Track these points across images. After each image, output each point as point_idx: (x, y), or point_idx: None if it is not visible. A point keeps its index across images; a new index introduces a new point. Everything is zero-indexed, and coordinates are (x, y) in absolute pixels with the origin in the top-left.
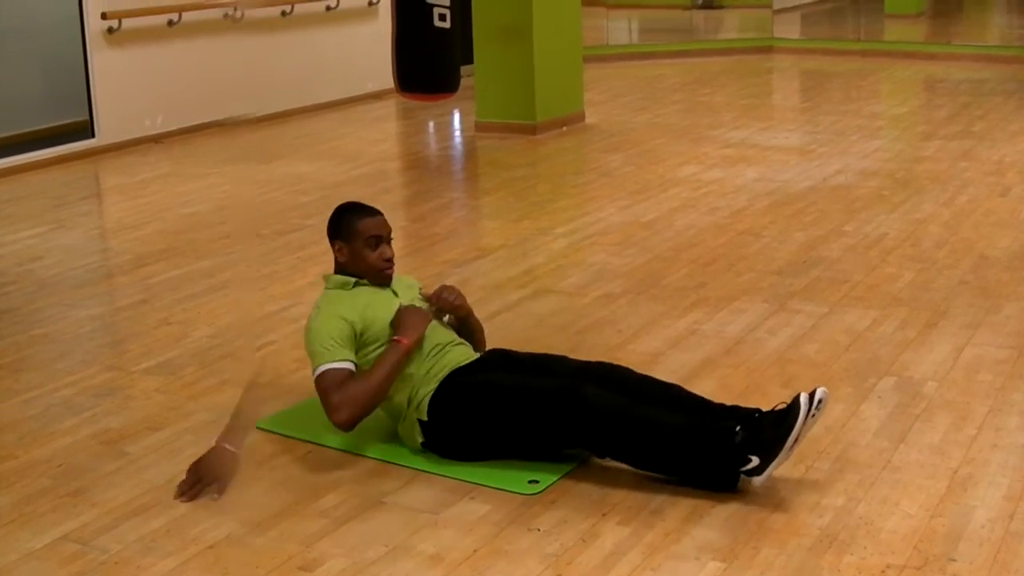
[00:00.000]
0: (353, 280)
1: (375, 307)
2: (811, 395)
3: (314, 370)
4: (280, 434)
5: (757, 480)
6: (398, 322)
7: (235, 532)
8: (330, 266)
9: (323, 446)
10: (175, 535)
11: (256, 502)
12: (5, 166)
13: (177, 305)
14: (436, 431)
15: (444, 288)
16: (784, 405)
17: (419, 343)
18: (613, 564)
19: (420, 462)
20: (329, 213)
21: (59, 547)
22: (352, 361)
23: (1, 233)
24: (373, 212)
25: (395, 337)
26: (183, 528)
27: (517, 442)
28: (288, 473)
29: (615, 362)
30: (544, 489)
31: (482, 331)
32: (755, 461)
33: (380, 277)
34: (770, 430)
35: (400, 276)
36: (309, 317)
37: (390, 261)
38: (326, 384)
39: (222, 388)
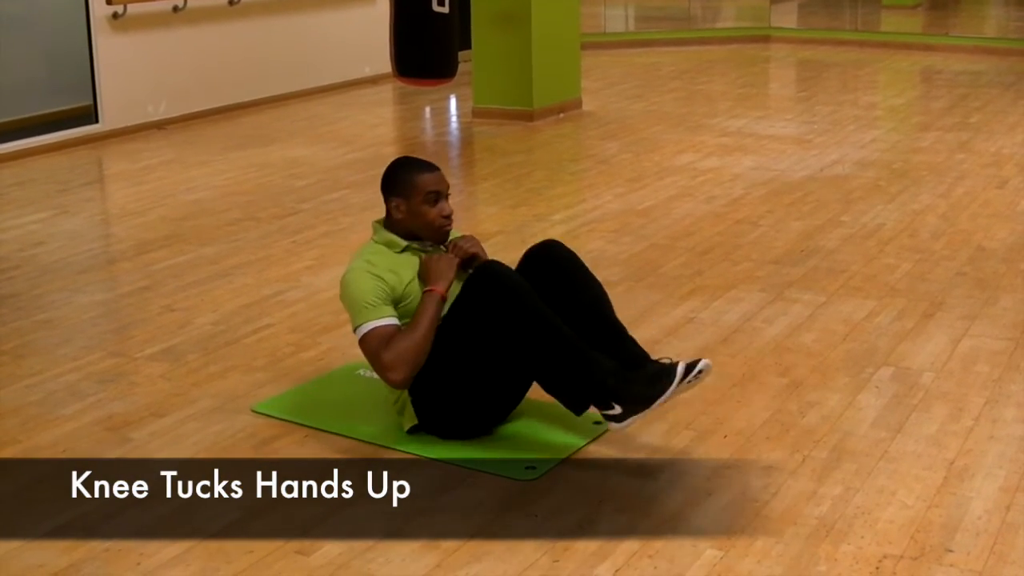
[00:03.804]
0: (404, 243)
1: (416, 284)
2: (690, 366)
3: (356, 327)
4: (277, 418)
5: (614, 425)
6: (425, 273)
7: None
8: (327, 249)
9: (320, 430)
10: (178, 523)
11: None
12: (9, 151)
13: (180, 292)
14: (425, 405)
15: (461, 237)
16: (667, 362)
17: (449, 288)
18: (610, 551)
19: (417, 447)
20: (324, 197)
21: (63, 533)
22: (395, 318)
23: (4, 218)
24: (431, 167)
25: (427, 288)
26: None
27: (479, 364)
28: (285, 457)
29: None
30: (541, 475)
31: None
32: (617, 410)
33: (439, 234)
34: (641, 388)
35: (455, 231)
36: (349, 265)
37: (449, 218)
38: (375, 344)
39: (226, 375)
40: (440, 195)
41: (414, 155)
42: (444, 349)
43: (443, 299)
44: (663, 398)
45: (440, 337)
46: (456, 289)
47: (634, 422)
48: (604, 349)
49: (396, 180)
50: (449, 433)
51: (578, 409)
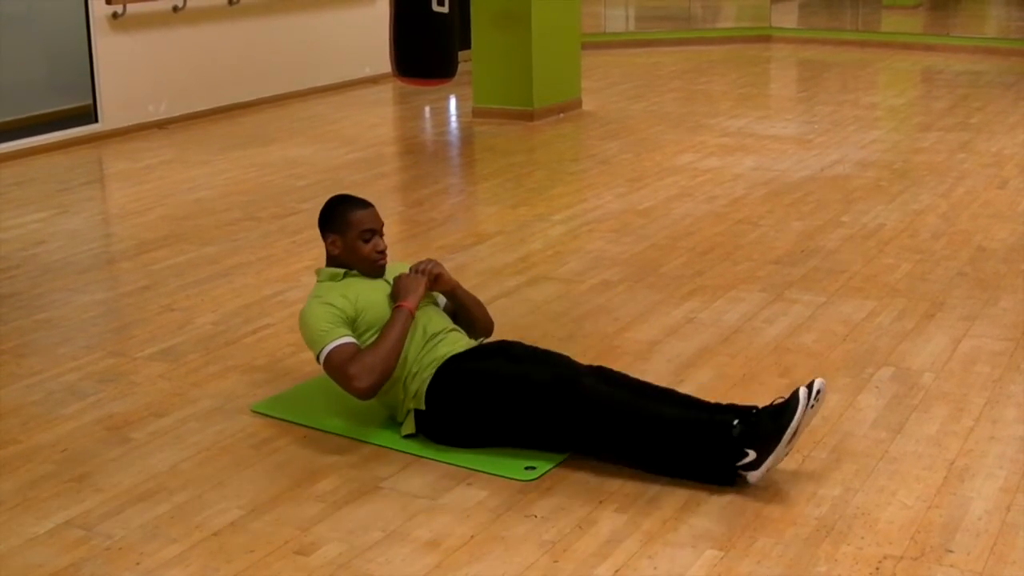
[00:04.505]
0: (343, 271)
1: (367, 294)
2: (809, 387)
3: (318, 355)
4: (276, 418)
5: (753, 475)
6: (396, 290)
7: (237, 518)
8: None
9: (320, 430)
10: (179, 521)
11: (253, 486)
12: (9, 150)
13: (181, 291)
14: (433, 419)
15: (423, 261)
16: (782, 400)
17: (419, 304)
18: (610, 552)
19: (417, 447)
20: (325, 196)
21: (62, 533)
22: (353, 338)
23: (5, 217)
24: (365, 204)
25: (397, 304)
26: (187, 514)
27: (514, 432)
28: (285, 457)
29: (612, 349)
30: (541, 476)
31: (480, 305)
32: (752, 455)
33: (374, 268)
34: (768, 424)
35: (392, 264)
36: (301, 311)
37: (383, 253)
38: (338, 360)
39: (226, 375)
40: (374, 232)
41: (413, 156)
42: (491, 404)
43: (412, 315)
44: (791, 428)
45: (494, 399)
46: (431, 315)
47: (771, 466)
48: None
49: (331, 218)
50: (447, 443)
51: (729, 478)
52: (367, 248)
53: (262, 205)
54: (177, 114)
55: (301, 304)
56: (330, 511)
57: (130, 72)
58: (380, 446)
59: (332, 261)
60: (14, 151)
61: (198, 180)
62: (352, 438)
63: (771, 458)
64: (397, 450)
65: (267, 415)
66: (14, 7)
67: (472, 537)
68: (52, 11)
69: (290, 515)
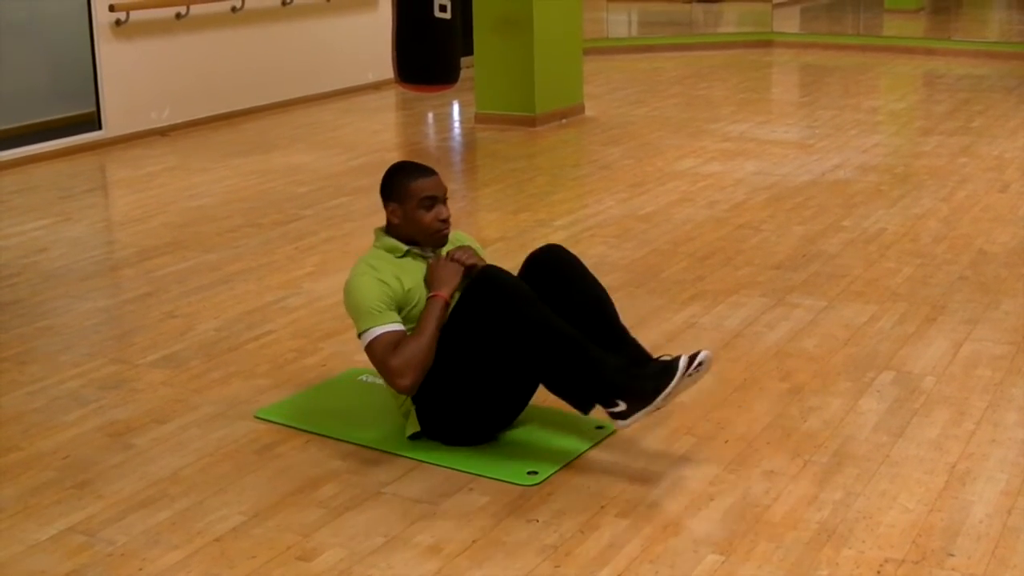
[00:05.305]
0: (405, 248)
1: (423, 287)
2: (692, 357)
3: (362, 332)
4: (279, 423)
5: (620, 423)
6: (430, 278)
7: (239, 524)
8: (329, 256)
9: (322, 436)
10: (180, 527)
11: (256, 492)
12: (12, 158)
13: (183, 298)
14: (427, 410)
15: (455, 250)
16: (667, 359)
17: (453, 293)
18: (611, 556)
19: (418, 452)
20: (327, 203)
21: (65, 539)
22: (401, 323)
23: (7, 225)
24: (427, 172)
25: (431, 293)
26: (189, 520)
27: (483, 370)
28: (287, 463)
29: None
30: (542, 480)
31: None
32: (622, 407)
33: (436, 238)
34: (646, 383)
35: (455, 233)
36: (352, 271)
37: (446, 221)
38: (381, 350)
39: (228, 381)
40: (436, 200)
41: (417, 161)
42: (447, 356)
43: (447, 304)
44: (667, 391)
45: (442, 344)
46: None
47: (638, 419)
48: (607, 350)
49: (392, 185)
50: (452, 440)
51: (584, 408)
52: (428, 216)
53: (263, 212)
54: (180, 121)
55: (303, 310)
56: (331, 517)
57: (133, 79)
58: (381, 451)
59: (392, 230)
60: (17, 158)
61: (200, 187)
62: (354, 444)
63: (638, 414)
64: (398, 455)
65: (270, 421)
66: (17, 14)
67: (473, 542)
68: (55, 18)
69: (292, 521)
